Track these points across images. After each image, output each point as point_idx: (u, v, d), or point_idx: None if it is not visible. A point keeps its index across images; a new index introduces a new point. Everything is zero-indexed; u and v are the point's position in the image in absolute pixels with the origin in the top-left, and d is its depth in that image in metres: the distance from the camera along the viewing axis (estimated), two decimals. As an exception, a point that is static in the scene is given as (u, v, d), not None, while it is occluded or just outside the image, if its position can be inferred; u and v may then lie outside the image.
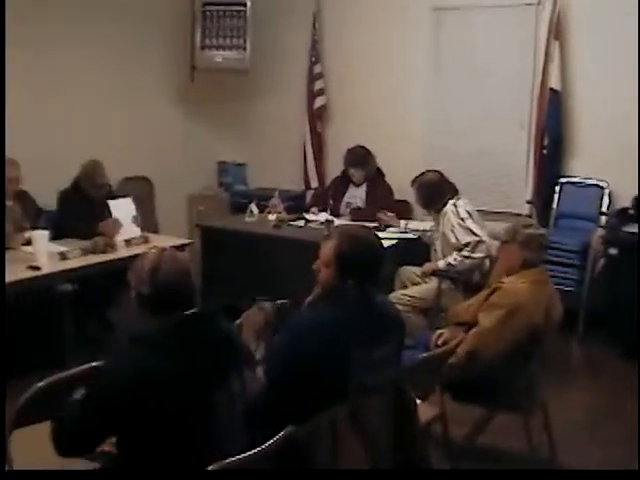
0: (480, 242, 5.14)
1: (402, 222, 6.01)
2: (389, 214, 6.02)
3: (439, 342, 3.87)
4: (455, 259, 5.20)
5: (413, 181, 5.55)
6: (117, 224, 5.39)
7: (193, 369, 2.36)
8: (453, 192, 5.43)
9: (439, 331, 3.98)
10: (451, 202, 5.34)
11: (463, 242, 5.19)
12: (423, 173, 5.56)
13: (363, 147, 6.42)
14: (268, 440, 2.46)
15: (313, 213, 6.38)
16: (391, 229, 5.93)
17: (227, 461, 2.33)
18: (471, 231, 5.19)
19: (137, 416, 2.30)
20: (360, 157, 6.40)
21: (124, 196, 5.72)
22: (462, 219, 5.23)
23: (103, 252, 5.08)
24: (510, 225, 3.99)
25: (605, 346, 5.72)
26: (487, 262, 5.12)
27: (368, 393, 2.69)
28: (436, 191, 5.43)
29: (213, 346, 2.46)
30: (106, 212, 5.43)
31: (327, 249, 2.85)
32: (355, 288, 2.79)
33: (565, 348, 5.68)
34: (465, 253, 5.17)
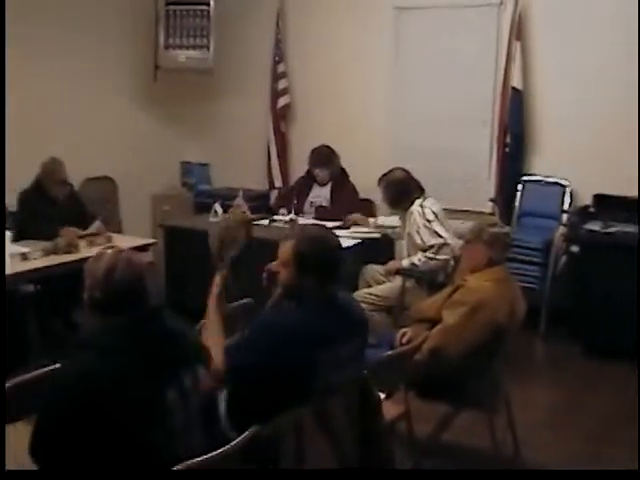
0: (445, 245, 5.13)
1: (371, 220, 5.99)
2: (357, 215, 5.98)
3: (403, 340, 3.86)
4: (419, 259, 5.19)
5: (380, 179, 5.52)
6: (101, 230, 5.38)
7: (142, 369, 2.34)
8: (420, 191, 5.41)
9: (403, 329, 3.97)
10: (418, 202, 5.31)
11: (428, 244, 5.17)
12: (390, 171, 5.53)
13: (327, 147, 6.42)
14: (231, 439, 2.45)
15: (282, 214, 6.35)
16: (356, 228, 5.91)
17: (192, 462, 2.31)
18: (437, 233, 5.17)
19: (88, 419, 2.27)
20: (324, 157, 6.39)
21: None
22: (428, 220, 5.21)
23: (66, 252, 5.01)
24: (475, 224, 3.98)
25: (567, 343, 5.76)
26: (451, 263, 5.12)
27: (332, 392, 2.68)
28: (403, 189, 5.40)
29: (162, 345, 2.43)
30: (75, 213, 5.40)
31: (285, 249, 2.86)
32: (315, 287, 2.79)
33: (528, 345, 5.71)
34: (429, 254, 5.16)
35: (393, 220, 5.81)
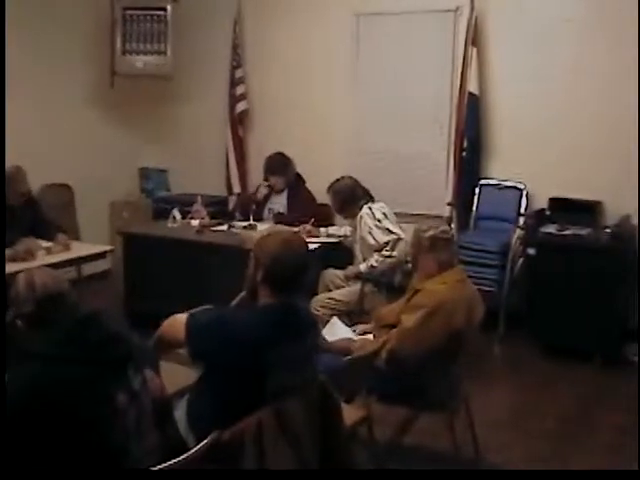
0: (399, 240, 5.17)
1: (322, 230, 6.04)
2: (309, 226, 5.95)
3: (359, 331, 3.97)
4: (376, 260, 5.22)
5: (328, 188, 5.64)
6: (64, 241, 5.34)
7: (86, 374, 2.34)
8: (367, 197, 5.51)
9: (360, 326, 4.03)
10: (366, 206, 5.40)
11: (382, 242, 5.22)
12: (337, 180, 5.64)
13: (281, 154, 6.45)
14: (189, 443, 2.45)
15: (240, 220, 6.35)
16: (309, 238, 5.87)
17: (155, 468, 2.31)
18: (389, 230, 5.23)
19: (38, 428, 2.26)
20: (278, 165, 6.42)
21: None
22: (378, 220, 5.28)
23: (23, 260, 4.95)
24: (413, 236, 3.98)
25: (526, 344, 5.82)
26: (407, 260, 5.12)
27: (287, 394, 2.68)
28: (350, 196, 5.51)
29: (104, 349, 2.42)
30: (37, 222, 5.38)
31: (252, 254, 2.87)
32: (270, 290, 2.80)
33: (487, 347, 5.75)
34: (385, 252, 5.20)
35: (344, 230, 5.88)
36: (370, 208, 5.38)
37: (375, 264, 5.23)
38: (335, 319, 4.41)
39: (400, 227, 5.28)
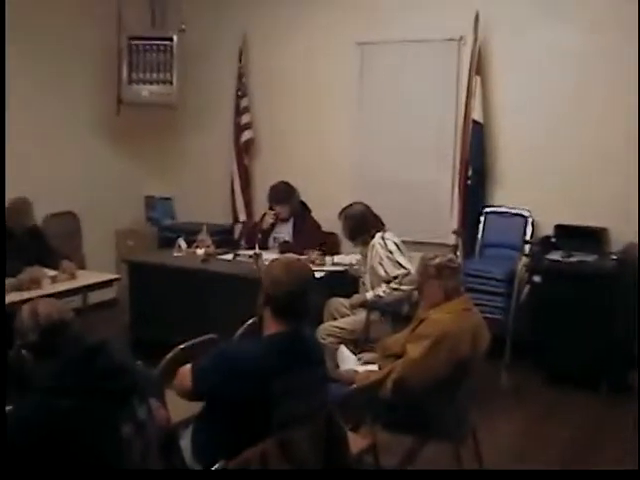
0: (408, 274, 5.15)
1: (327, 258, 6.01)
2: (314, 254, 5.94)
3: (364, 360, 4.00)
4: (384, 291, 5.22)
5: (340, 213, 5.60)
6: (70, 268, 5.35)
7: (91, 405, 2.34)
8: (379, 225, 5.49)
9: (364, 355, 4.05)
10: (379, 235, 5.38)
11: (392, 275, 5.21)
12: (350, 205, 5.61)
13: (285, 183, 6.45)
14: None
15: (246, 248, 6.37)
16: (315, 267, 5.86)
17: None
18: (399, 264, 5.21)
19: (42, 460, 2.26)
20: (283, 194, 6.42)
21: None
22: (390, 252, 5.26)
23: (29, 289, 4.98)
24: (418, 264, 4.00)
25: (532, 372, 5.81)
26: (415, 294, 5.15)
27: (295, 424, 2.69)
28: (362, 222, 5.48)
29: (109, 379, 2.43)
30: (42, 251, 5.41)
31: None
32: (276, 317, 2.82)
33: (493, 375, 5.74)
34: (394, 285, 5.19)
35: (351, 258, 5.89)
36: (383, 238, 5.35)
37: (382, 294, 5.23)
38: (343, 347, 4.42)
39: (410, 260, 5.24)
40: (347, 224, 5.57)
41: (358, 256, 5.70)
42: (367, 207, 5.57)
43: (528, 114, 6.33)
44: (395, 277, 5.20)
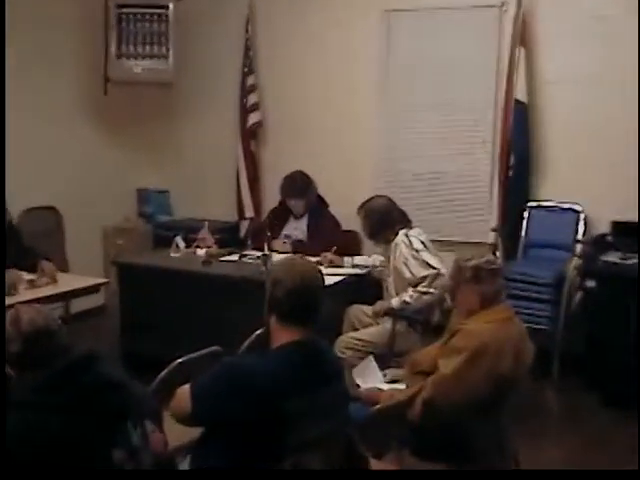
0: (438, 275, 5.15)
1: (346, 259, 6.00)
2: (331, 255, 5.94)
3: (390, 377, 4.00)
4: (411, 296, 5.21)
5: (359, 208, 5.59)
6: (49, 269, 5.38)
7: (79, 426, 2.37)
8: (404, 221, 5.49)
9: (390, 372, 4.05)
10: (402, 232, 5.38)
11: (419, 276, 5.20)
12: (371, 199, 5.61)
13: (302, 173, 6.43)
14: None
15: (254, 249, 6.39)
16: (331, 269, 5.81)
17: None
18: (427, 264, 5.20)
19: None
20: (298, 186, 6.41)
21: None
22: (416, 250, 5.26)
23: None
24: (453, 265, 3.99)
25: (584, 392, 5.79)
26: (448, 299, 5.14)
27: (309, 450, 2.70)
28: (385, 219, 5.48)
29: (98, 397, 2.46)
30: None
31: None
32: (281, 323, 2.85)
33: (539, 395, 5.74)
34: (422, 288, 5.18)
35: (374, 259, 5.89)
36: (407, 235, 5.35)
37: (409, 300, 5.22)
38: (371, 359, 4.43)
39: (440, 259, 5.27)
40: (367, 220, 5.57)
41: (382, 257, 5.71)
42: (391, 201, 5.58)
43: (580, 93, 6.29)
44: (423, 279, 5.19)
